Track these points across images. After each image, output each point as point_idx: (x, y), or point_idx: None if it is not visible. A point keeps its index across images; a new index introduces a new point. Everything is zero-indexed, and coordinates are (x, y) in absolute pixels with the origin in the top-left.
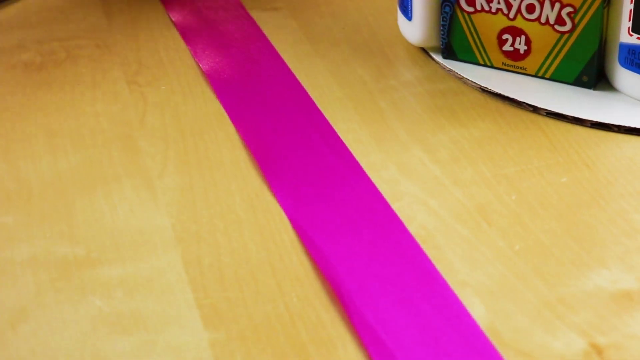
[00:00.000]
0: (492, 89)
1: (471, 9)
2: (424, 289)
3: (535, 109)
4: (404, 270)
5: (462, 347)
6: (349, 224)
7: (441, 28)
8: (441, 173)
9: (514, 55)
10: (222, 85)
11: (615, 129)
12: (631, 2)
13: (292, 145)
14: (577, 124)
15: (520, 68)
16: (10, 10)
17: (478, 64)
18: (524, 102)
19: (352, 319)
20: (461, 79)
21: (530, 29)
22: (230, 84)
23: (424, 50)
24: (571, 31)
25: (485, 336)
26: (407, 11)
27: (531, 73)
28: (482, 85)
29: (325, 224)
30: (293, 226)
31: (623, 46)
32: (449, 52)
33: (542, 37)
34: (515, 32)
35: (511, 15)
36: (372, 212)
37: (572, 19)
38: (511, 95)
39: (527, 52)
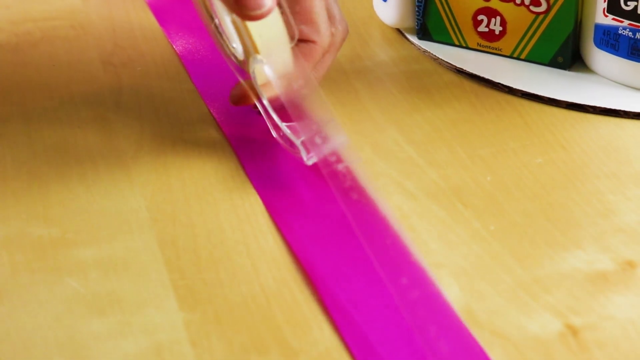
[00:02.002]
0: (468, 70)
1: None
2: (405, 260)
3: (510, 90)
4: (386, 241)
5: (436, 328)
6: (322, 205)
7: (416, 9)
8: (416, 154)
9: (489, 36)
10: (196, 66)
11: (591, 109)
12: None
13: (266, 126)
14: (552, 104)
15: (496, 49)
16: None
17: (453, 45)
18: (499, 83)
19: (325, 300)
20: (436, 59)
21: (506, 9)
22: (204, 65)
23: (399, 31)
24: (546, 12)
25: (458, 317)
26: None
27: (506, 54)
28: (458, 66)
29: (299, 205)
30: (266, 207)
31: (598, 27)
32: (424, 33)
33: (518, 18)
34: (491, 13)
35: None
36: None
37: (547, 0)
38: (486, 76)
39: (503, 33)
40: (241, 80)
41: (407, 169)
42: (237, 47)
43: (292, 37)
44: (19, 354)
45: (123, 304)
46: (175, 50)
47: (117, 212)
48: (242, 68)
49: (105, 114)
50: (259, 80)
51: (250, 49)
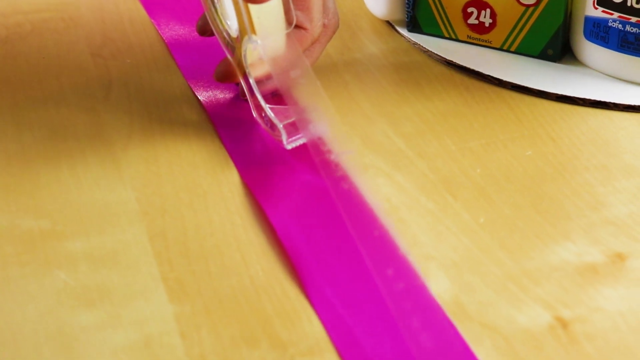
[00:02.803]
0: (457, 62)
1: None
2: (392, 251)
3: (500, 82)
4: (373, 232)
5: (419, 320)
6: (311, 197)
7: (406, 1)
8: (406, 146)
9: (479, 28)
10: (186, 58)
11: (580, 102)
12: None
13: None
14: (542, 97)
15: (486, 41)
16: None
17: (443, 37)
18: (489, 76)
19: (309, 293)
20: (426, 52)
21: (496, 2)
22: (194, 57)
23: (389, 23)
24: (536, 4)
25: (443, 310)
26: None
27: (496, 46)
28: (447, 58)
29: (287, 197)
30: (256, 199)
31: (588, 19)
32: (414, 26)
33: (508, 11)
34: (481, 5)
35: None
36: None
37: None
38: (476, 69)
39: (493, 25)
40: (229, 56)
41: (396, 161)
42: (231, 24)
43: (289, 23)
44: (8, 346)
45: (112, 297)
46: (164, 43)
47: (107, 204)
48: (233, 45)
49: (95, 106)
50: (249, 59)
51: (247, 29)
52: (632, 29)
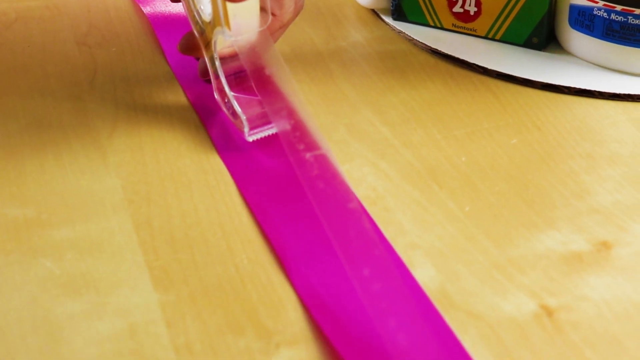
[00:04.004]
0: (442, 51)
1: None
2: (368, 252)
3: (485, 71)
4: (349, 232)
5: (406, 309)
6: (296, 185)
7: None
8: (391, 135)
9: (464, 16)
10: (173, 48)
11: (566, 90)
12: None
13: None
14: (527, 85)
15: (471, 30)
16: None
17: (428, 25)
18: (474, 64)
19: (295, 283)
20: (411, 40)
21: None
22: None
23: (374, 11)
24: None
25: (428, 298)
26: None
27: (481, 35)
28: (432, 46)
29: (271, 186)
30: (239, 189)
31: (573, 7)
32: (399, 14)
33: None
34: None
35: None
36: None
37: None
38: (461, 57)
39: (478, 13)
40: (195, 32)
41: (381, 149)
42: (204, 8)
43: (264, 22)
44: None
45: (98, 285)
46: (150, 31)
47: (92, 192)
48: (203, 27)
49: (80, 94)
50: (219, 47)
51: (221, 22)
52: (617, 18)
